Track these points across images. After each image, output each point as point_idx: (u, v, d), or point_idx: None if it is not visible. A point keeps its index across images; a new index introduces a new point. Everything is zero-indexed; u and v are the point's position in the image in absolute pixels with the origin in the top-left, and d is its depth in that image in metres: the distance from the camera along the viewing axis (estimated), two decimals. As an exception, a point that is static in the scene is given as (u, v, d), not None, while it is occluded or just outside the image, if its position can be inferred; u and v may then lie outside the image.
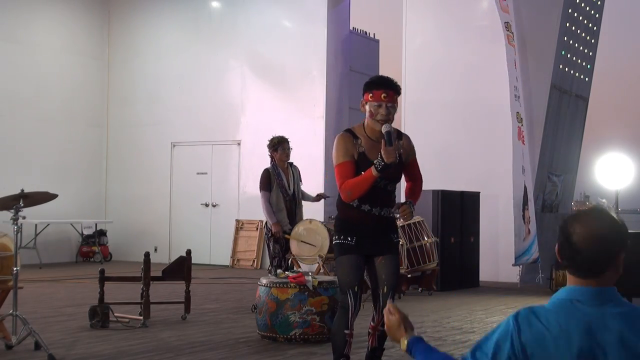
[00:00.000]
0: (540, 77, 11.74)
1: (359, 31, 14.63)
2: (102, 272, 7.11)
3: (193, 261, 7.46)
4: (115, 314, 6.86)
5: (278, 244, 7.84)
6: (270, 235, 7.79)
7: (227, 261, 13.94)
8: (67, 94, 14.75)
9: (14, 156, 13.74)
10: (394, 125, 4.45)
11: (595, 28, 13.37)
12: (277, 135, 8.07)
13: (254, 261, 13.69)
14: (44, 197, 5.79)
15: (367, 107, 4.40)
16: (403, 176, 4.67)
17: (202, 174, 14.48)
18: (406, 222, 4.35)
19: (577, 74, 12.77)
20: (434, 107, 12.35)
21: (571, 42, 12.44)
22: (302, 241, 8.22)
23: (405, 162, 4.55)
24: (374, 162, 4.25)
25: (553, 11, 11.81)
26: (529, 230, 10.78)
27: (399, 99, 4.49)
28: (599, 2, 13.43)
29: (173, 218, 14.69)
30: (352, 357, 4.65)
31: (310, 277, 6.23)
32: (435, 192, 10.60)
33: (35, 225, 13.38)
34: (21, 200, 5.44)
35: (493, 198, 11.47)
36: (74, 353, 5.68)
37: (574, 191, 14.22)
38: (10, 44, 13.87)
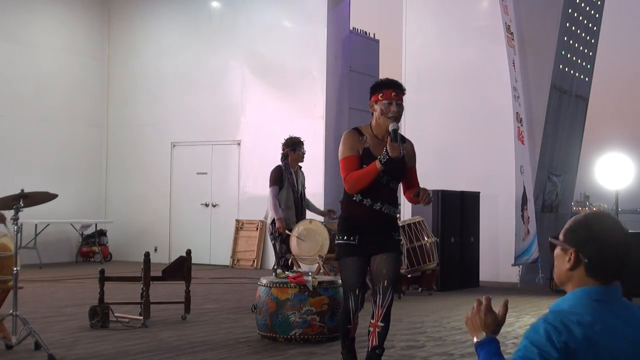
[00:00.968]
0: (540, 77, 11.74)
1: (359, 31, 14.63)
2: (102, 272, 7.11)
3: (193, 261, 7.46)
4: (115, 314, 6.86)
5: (285, 244, 7.84)
6: (277, 234, 7.78)
7: (227, 261, 13.94)
8: (67, 94, 14.75)
9: (14, 156, 13.74)
10: None
11: (595, 28, 13.38)
12: (293, 135, 8.02)
13: (254, 261, 13.69)
14: (44, 197, 5.79)
15: (377, 106, 4.62)
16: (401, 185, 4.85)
17: (202, 174, 14.48)
18: (426, 204, 4.61)
19: (577, 74, 12.77)
20: (434, 107, 12.35)
21: (571, 42, 12.44)
22: (299, 238, 8.18)
23: (408, 165, 4.71)
24: (379, 156, 4.48)
25: (553, 11, 11.81)
26: (528, 230, 10.78)
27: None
28: (599, 2, 13.44)
29: (173, 218, 14.69)
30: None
31: (310, 277, 6.23)
32: (435, 192, 10.60)
33: (35, 225, 13.38)
34: (21, 200, 5.44)
35: (493, 198, 11.47)
36: (74, 353, 5.68)
37: (574, 191, 14.23)
38: (10, 44, 13.87)
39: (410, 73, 12.61)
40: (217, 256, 14.08)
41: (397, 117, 4.58)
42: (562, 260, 2.14)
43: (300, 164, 8.01)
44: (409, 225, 9.87)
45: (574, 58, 12.62)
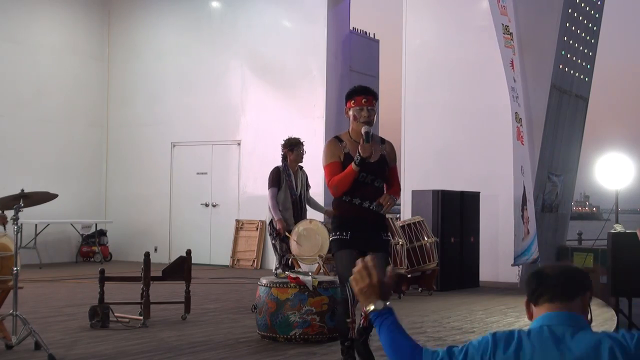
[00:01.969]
0: (540, 77, 11.73)
1: (359, 31, 14.62)
2: (102, 272, 7.11)
3: (193, 261, 7.46)
4: (115, 314, 6.86)
5: (285, 243, 7.88)
6: (275, 234, 7.83)
7: (227, 261, 13.94)
8: (67, 94, 14.75)
9: (14, 156, 13.74)
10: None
11: (595, 28, 13.37)
12: (293, 136, 8.06)
13: (254, 261, 13.69)
14: (44, 197, 5.78)
15: (350, 112, 5.11)
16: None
17: (202, 174, 14.48)
18: (387, 210, 4.97)
19: (577, 74, 12.77)
20: (434, 107, 12.34)
21: (571, 42, 12.44)
22: (298, 243, 8.18)
23: (390, 165, 5.19)
24: (354, 158, 4.96)
25: (553, 11, 11.80)
26: (527, 230, 10.77)
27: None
28: (599, 2, 13.43)
29: (173, 218, 14.69)
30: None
31: (310, 277, 6.23)
32: (435, 192, 10.60)
33: (35, 225, 13.38)
34: (21, 200, 5.44)
35: (493, 198, 11.47)
36: (74, 353, 5.68)
37: (574, 191, 14.23)
38: (11, 44, 13.87)
39: (410, 73, 12.61)
40: (217, 256, 14.08)
41: (368, 122, 5.02)
42: None
43: (300, 164, 8.04)
44: (409, 225, 9.87)
45: (574, 58, 12.62)
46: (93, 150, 15.29)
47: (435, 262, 9.90)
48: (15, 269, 5.47)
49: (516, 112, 10.74)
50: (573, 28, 12.44)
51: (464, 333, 6.88)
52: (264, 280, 6.37)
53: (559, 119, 12.33)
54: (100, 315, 6.74)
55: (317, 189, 12.51)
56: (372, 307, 2.21)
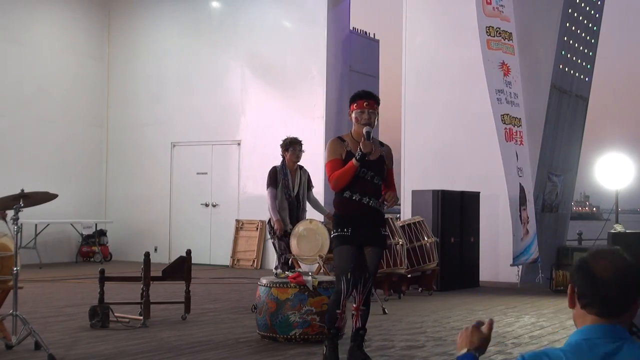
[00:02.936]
0: (540, 77, 11.73)
1: (359, 31, 14.63)
2: (102, 272, 7.11)
3: (193, 261, 7.46)
4: (115, 314, 6.86)
5: (283, 241, 7.89)
6: (273, 233, 7.86)
7: (227, 261, 13.95)
8: (67, 94, 14.76)
9: (14, 156, 13.74)
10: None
11: (595, 28, 13.37)
12: (291, 136, 8.08)
13: (254, 261, 13.70)
14: (44, 197, 5.78)
15: (353, 115, 5.39)
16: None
17: (202, 174, 14.49)
18: (389, 207, 5.46)
19: (577, 74, 12.77)
20: (434, 107, 12.34)
21: (571, 42, 12.44)
22: (301, 237, 8.18)
23: (387, 167, 5.44)
24: (355, 154, 5.22)
25: (553, 11, 11.81)
26: (527, 230, 10.77)
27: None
28: (599, 2, 13.43)
29: (173, 218, 14.69)
30: (342, 347, 5.37)
31: (310, 277, 6.23)
32: (435, 192, 10.60)
33: (35, 225, 13.38)
34: (21, 200, 5.44)
35: (493, 198, 11.47)
36: (74, 353, 5.68)
37: (574, 191, 14.22)
38: (11, 45, 13.87)
39: (410, 73, 12.61)
40: (217, 256, 14.08)
41: (369, 123, 5.30)
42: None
43: (300, 163, 8.03)
44: (409, 225, 9.87)
45: (574, 58, 12.61)
46: (93, 150, 15.29)
47: (435, 262, 9.90)
48: (15, 269, 5.47)
49: (507, 114, 10.70)
50: (573, 28, 12.44)
51: (464, 333, 6.87)
52: (264, 280, 6.37)
53: (559, 119, 12.33)
54: (100, 315, 6.73)
55: (317, 188, 12.50)
56: (464, 350, 2.17)
